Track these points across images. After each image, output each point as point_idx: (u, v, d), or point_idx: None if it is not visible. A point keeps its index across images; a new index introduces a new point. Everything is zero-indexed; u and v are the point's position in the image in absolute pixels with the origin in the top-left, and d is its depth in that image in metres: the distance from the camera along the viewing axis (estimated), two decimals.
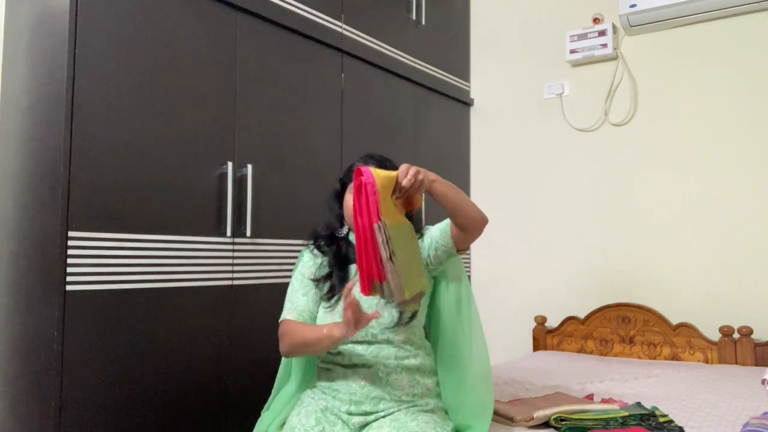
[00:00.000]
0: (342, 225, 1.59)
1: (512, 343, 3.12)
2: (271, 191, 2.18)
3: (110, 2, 1.74)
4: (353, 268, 1.53)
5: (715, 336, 2.60)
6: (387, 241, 1.30)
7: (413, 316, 1.49)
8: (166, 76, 1.87)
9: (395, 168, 1.56)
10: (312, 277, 1.56)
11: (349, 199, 1.53)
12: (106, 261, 1.70)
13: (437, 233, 1.54)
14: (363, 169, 1.34)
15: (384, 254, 1.29)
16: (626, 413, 1.59)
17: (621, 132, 2.94)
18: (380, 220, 1.30)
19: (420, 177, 1.37)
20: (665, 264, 2.77)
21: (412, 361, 1.49)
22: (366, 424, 1.44)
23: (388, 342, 1.48)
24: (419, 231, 1.59)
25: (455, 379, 1.54)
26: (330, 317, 1.49)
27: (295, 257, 2.23)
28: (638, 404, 1.74)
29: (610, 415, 1.57)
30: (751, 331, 2.50)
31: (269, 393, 1.65)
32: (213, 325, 1.96)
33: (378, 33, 2.72)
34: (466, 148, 3.38)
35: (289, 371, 1.63)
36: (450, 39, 3.28)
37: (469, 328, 1.57)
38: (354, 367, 1.48)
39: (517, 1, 3.30)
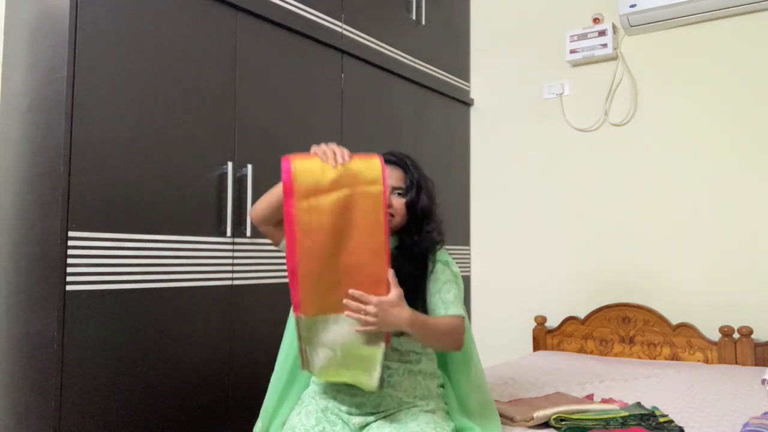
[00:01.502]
0: None
1: (512, 343, 3.12)
2: None
3: (110, 2, 1.74)
4: None
5: (715, 336, 2.60)
6: (299, 330, 1.32)
7: None
8: (166, 76, 1.87)
9: (406, 165, 1.54)
10: None
11: None
12: (106, 261, 1.70)
13: (438, 298, 1.49)
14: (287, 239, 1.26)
15: (297, 335, 1.34)
16: (626, 413, 1.59)
17: (621, 132, 2.94)
18: (299, 314, 1.30)
19: (368, 321, 1.28)
20: (665, 264, 2.77)
21: (415, 366, 1.49)
22: (366, 425, 1.44)
23: (393, 348, 1.48)
24: (432, 247, 1.53)
25: (457, 398, 1.57)
26: None
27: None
28: (638, 404, 1.74)
29: (610, 415, 1.57)
30: (751, 331, 2.50)
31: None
32: (213, 325, 1.96)
33: (378, 33, 2.72)
34: (466, 148, 3.38)
35: (280, 370, 1.61)
36: (450, 39, 3.28)
37: (472, 359, 1.58)
38: None
39: (517, 1, 3.30)
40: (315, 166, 1.29)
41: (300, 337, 1.34)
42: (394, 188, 1.51)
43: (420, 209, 1.51)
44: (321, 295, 1.30)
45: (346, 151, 1.34)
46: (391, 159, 1.56)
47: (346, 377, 1.38)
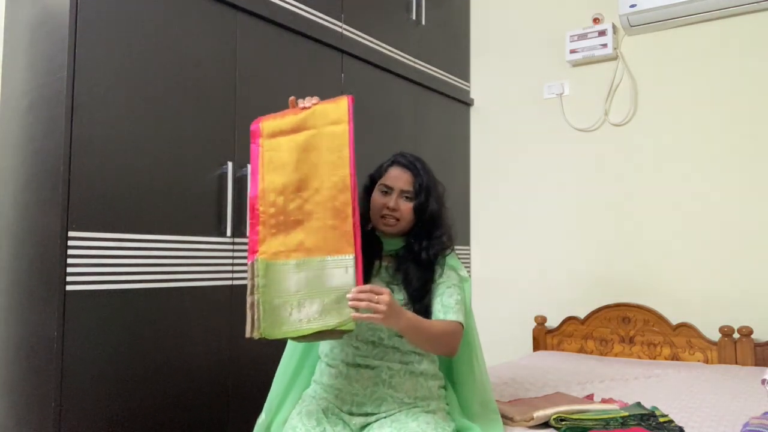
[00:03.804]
0: (368, 221, 1.57)
1: (512, 343, 3.12)
2: None
3: (110, 2, 1.74)
4: (376, 264, 1.53)
5: (715, 336, 2.60)
6: (254, 278, 1.29)
7: None
8: (166, 76, 1.87)
9: (416, 169, 1.53)
10: None
11: (376, 197, 1.53)
12: (106, 261, 1.70)
13: (438, 302, 1.47)
14: (251, 197, 1.31)
15: (248, 287, 1.29)
16: (626, 413, 1.59)
17: (621, 132, 2.94)
18: (255, 257, 1.29)
19: (379, 309, 1.22)
20: (665, 264, 2.77)
21: (416, 367, 1.49)
22: (367, 425, 1.44)
23: (395, 348, 1.48)
24: (441, 252, 1.52)
25: (459, 399, 1.57)
26: None
27: None
28: (638, 404, 1.74)
29: (610, 415, 1.57)
30: (751, 331, 2.50)
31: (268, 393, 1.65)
32: (213, 325, 1.96)
33: (378, 33, 2.72)
34: (466, 148, 3.38)
35: (286, 367, 1.61)
36: (450, 39, 3.28)
37: (477, 360, 1.57)
38: (357, 368, 1.47)
39: (517, 1, 3.30)
40: (282, 114, 1.39)
41: (254, 289, 1.28)
42: (402, 191, 1.51)
43: (429, 214, 1.50)
44: (283, 234, 1.29)
45: (315, 98, 1.38)
46: (401, 161, 1.55)
47: (314, 325, 1.28)
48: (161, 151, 1.85)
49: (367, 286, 1.25)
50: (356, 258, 1.28)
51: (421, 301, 1.47)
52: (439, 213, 1.52)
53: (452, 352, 1.45)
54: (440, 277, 1.50)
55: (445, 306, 1.46)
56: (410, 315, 1.34)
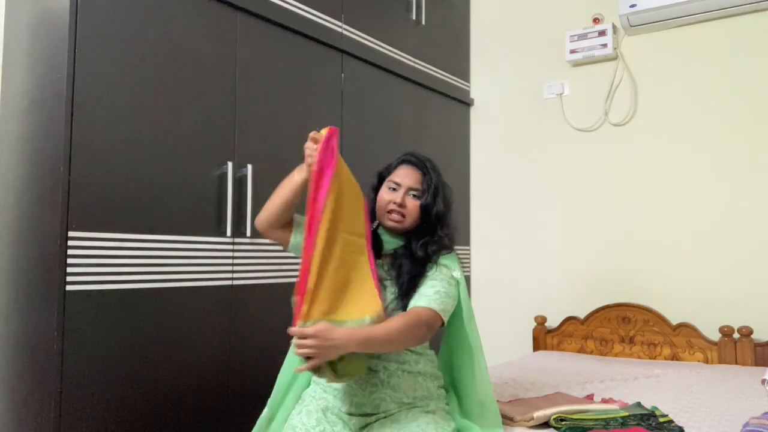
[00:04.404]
0: (373, 219, 1.57)
1: (512, 343, 3.12)
2: (271, 191, 2.17)
3: (110, 2, 1.74)
4: (378, 262, 1.53)
5: (715, 336, 2.60)
6: None
7: None
8: (166, 76, 1.87)
9: (425, 168, 1.55)
10: None
11: (383, 193, 1.54)
12: (106, 261, 1.70)
13: (417, 292, 1.46)
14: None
15: None
16: (626, 413, 1.59)
17: (621, 132, 2.94)
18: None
19: (309, 354, 1.23)
20: (665, 264, 2.77)
21: (413, 366, 1.49)
22: (367, 425, 1.44)
23: None
24: (438, 252, 1.53)
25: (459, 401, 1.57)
26: None
27: (295, 257, 2.22)
28: (638, 404, 1.74)
29: (610, 415, 1.57)
30: (751, 331, 2.50)
31: (269, 393, 1.64)
32: (213, 325, 1.96)
33: (378, 33, 2.72)
34: (466, 148, 3.38)
35: (289, 363, 1.61)
36: (450, 39, 3.28)
37: (477, 361, 1.55)
38: None
39: (517, 1, 3.30)
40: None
41: None
42: (410, 189, 1.52)
43: (435, 213, 1.51)
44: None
45: (311, 147, 1.41)
46: (411, 160, 1.56)
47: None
48: (161, 151, 1.85)
49: (294, 333, 1.26)
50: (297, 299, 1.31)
51: (408, 295, 1.46)
52: (444, 214, 1.52)
53: (421, 340, 1.42)
54: (430, 272, 1.50)
55: (419, 294, 1.44)
56: (356, 334, 1.29)
